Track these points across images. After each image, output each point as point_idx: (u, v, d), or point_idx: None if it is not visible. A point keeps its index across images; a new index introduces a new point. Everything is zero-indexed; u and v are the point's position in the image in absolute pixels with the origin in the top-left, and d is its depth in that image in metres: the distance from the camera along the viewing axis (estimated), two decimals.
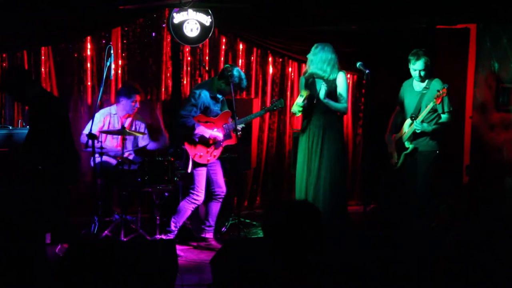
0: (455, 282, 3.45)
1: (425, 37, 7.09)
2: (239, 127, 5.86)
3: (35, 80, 5.29)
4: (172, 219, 5.76)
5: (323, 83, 5.64)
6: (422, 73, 5.73)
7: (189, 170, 5.71)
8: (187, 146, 5.71)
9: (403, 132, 5.84)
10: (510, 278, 3.47)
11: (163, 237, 5.74)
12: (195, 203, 5.76)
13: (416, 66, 5.73)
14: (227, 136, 5.87)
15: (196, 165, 5.71)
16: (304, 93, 5.70)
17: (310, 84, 5.79)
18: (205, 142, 5.74)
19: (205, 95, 5.70)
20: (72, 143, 5.38)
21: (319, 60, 5.68)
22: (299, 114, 5.82)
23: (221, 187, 5.92)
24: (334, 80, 5.71)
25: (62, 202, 5.26)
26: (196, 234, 5.99)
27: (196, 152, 5.70)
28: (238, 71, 5.70)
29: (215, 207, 5.90)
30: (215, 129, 5.79)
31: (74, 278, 3.39)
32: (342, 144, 5.89)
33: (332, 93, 5.70)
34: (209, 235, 5.90)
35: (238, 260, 3.33)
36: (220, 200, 5.91)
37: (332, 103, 5.67)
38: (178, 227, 5.77)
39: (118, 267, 3.48)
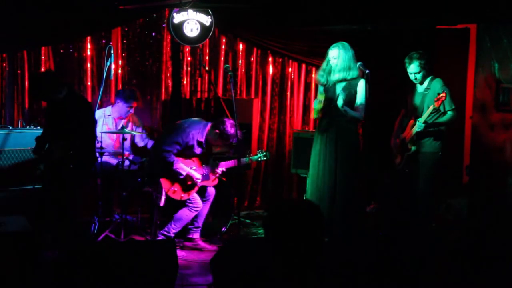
0: (455, 282, 3.46)
1: (425, 37, 7.09)
2: (219, 170, 5.83)
3: (64, 82, 5.27)
4: (172, 226, 5.68)
5: (342, 91, 5.60)
6: (418, 76, 5.76)
7: (161, 204, 5.61)
8: (162, 180, 5.61)
9: (407, 133, 5.85)
10: (510, 278, 3.48)
11: (159, 237, 5.72)
12: (196, 211, 5.73)
13: (410, 70, 5.78)
14: (205, 176, 5.77)
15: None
16: (322, 97, 5.68)
17: (330, 86, 5.76)
18: (181, 179, 5.64)
19: (192, 137, 5.61)
20: (95, 143, 5.38)
21: (341, 62, 5.62)
22: (317, 117, 5.78)
23: (210, 188, 5.87)
24: (355, 82, 5.63)
25: (76, 202, 5.27)
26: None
27: (170, 187, 5.62)
28: (232, 126, 5.55)
29: (205, 208, 5.84)
30: (194, 167, 5.72)
31: (74, 279, 3.39)
32: (357, 146, 5.85)
33: (352, 97, 5.63)
34: (196, 235, 5.84)
35: (238, 260, 3.33)
36: (210, 200, 5.86)
37: (349, 112, 5.59)
38: (177, 232, 5.74)
39: (118, 268, 3.48)
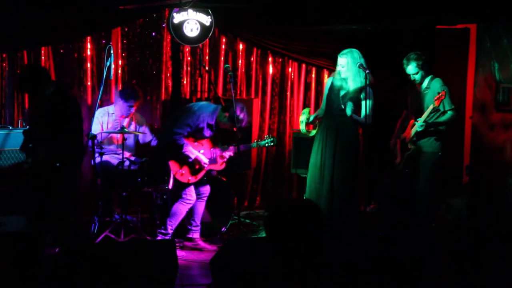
0: (455, 282, 3.46)
1: (425, 37, 7.09)
2: (227, 154, 5.85)
3: (51, 78, 5.24)
4: (168, 222, 5.70)
5: (347, 97, 5.66)
6: (416, 77, 5.79)
7: (170, 187, 5.64)
8: (171, 163, 5.65)
9: (407, 133, 5.86)
10: (509, 278, 3.48)
11: (158, 237, 5.71)
12: (189, 204, 5.73)
13: (408, 71, 5.83)
14: (212, 160, 5.80)
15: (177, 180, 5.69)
16: (306, 112, 5.85)
17: (335, 89, 5.78)
18: (189, 163, 5.68)
19: (203, 119, 5.64)
20: (82, 141, 5.39)
21: (348, 71, 5.65)
22: (306, 129, 5.90)
23: (205, 186, 5.89)
24: (359, 90, 5.65)
25: (68, 200, 5.26)
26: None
27: (178, 170, 5.65)
28: (242, 110, 5.59)
29: (201, 206, 5.85)
30: (202, 151, 5.75)
31: (74, 279, 3.39)
32: (357, 145, 5.86)
33: (358, 101, 5.67)
34: (196, 235, 5.85)
35: (238, 260, 3.33)
36: (205, 198, 5.85)
37: (358, 119, 5.65)
38: (174, 229, 5.75)
39: (118, 268, 3.48)
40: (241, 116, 5.58)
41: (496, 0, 5.99)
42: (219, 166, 5.91)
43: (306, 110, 5.98)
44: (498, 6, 5.98)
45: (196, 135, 5.70)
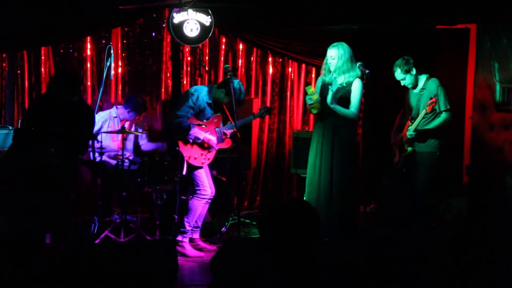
0: (455, 282, 3.45)
1: (425, 37, 7.09)
2: (228, 131, 5.88)
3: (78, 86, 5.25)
4: (185, 219, 5.69)
5: (331, 88, 5.62)
6: (406, 82, 5.79)
7: (184, 172, 5.68)
8: (181, 147, 5.67)
9: (404, 133, 5.86)
10: (509, 278, 3.48)
11: (180, 238, 5.69)
12: (204, 199, 5.72)
13: (396, 77, 5.81)
14: (219, 139, 5.86)
15: (192, 167, 5.70)
16: (310, 91, 5.68)
17: (327, 85, 5.77)
18: (199, 144, 5.72)
19: (202, 99, 5.70)
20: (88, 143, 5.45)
21: (339, 63, 5.62)
22: (315, 109, 5.76)
23: (210, 189, 5.89)
24: (350, 83, 5.62)
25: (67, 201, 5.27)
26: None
27: (190, 154, 5.67)
28: (238, 84, 5.65)
29: (204, 208, 5.86)
30: (208, 133, 5.79)
31: (73, 279, 3.39)
32: (353, 143, 5.83)
33: (347, 97, 5.62)
34: (196, 235, 5.84)
35: (238, 260, 3.33)
36: (209, 201, 5.82)
37: (339, 108, 5.57)
38: (192, 225, 5.74)
39: (118, 267, 3.49)
40: (237, 87, 5.59)
41: (496, 0, 5.99)
42: (226, 144, 5.97)
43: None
44: (498, 6, 5.97)
45: (200, 116, 5.76)
